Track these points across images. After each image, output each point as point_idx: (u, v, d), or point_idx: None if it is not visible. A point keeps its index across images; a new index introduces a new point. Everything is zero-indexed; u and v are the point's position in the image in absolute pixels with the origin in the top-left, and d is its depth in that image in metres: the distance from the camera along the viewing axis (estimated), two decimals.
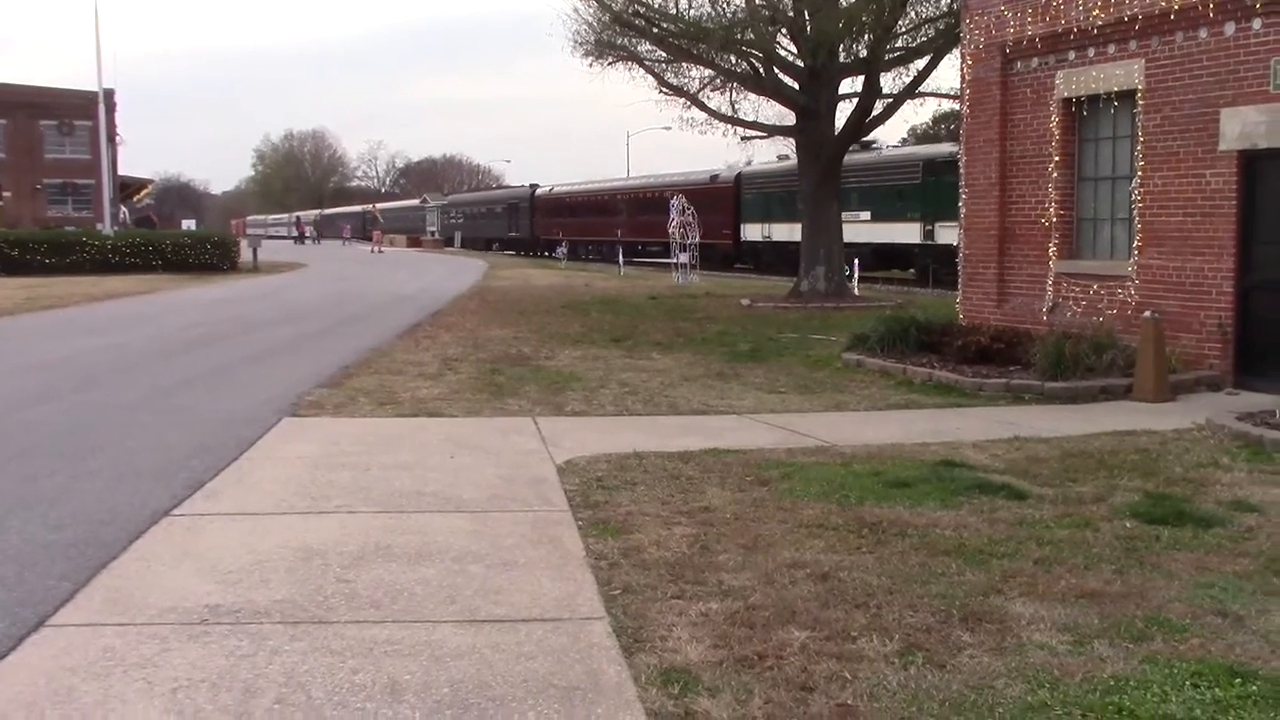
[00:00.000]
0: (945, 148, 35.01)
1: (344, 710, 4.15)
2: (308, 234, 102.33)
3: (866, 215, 37.93)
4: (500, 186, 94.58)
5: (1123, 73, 13.58)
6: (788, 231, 39.89)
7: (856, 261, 31.79)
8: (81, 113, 60.99)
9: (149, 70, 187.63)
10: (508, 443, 9.39)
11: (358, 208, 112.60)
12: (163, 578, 5.71)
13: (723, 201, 47.47)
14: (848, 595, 5.40)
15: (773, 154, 42.97)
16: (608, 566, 5.88)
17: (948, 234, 31.92)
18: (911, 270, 37.81)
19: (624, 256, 49.96)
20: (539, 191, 69.51)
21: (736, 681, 4.40)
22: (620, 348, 16.86)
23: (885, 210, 37.52)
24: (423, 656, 4.66)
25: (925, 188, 35.22)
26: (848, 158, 39.44)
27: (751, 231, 46.06)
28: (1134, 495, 7.45)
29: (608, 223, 58.01)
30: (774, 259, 43.00)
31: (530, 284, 35.52)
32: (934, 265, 34.14)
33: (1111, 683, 4.38)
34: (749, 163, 47.55)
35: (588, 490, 7.59)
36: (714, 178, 49.17)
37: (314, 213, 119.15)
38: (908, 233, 36.40)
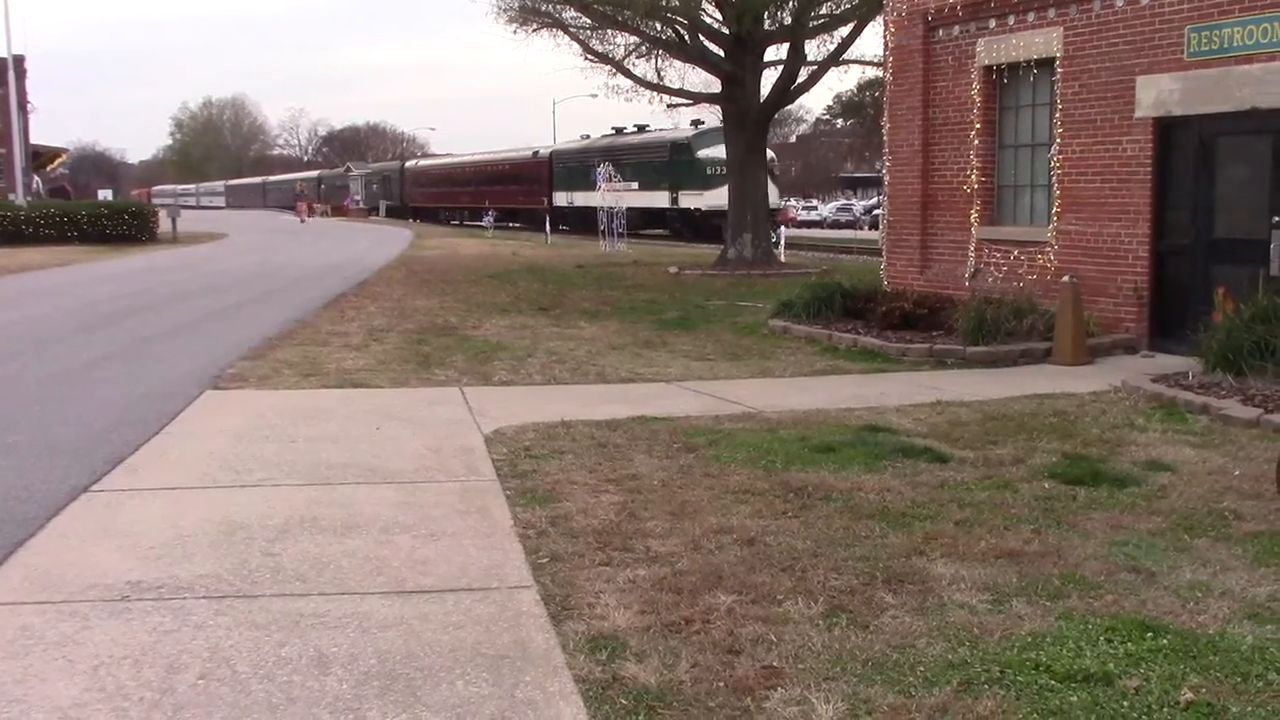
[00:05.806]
0: (684, 132, 44.93)
1: (270, 684, 4.12)
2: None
3: (635, 185, 45.93)
4: (394, 158, 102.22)
5: (1042, 41, 13.75)
6: (584, 198, 48.83)
7: (783, 229, 32.52)
8: None
9: (62, 36, 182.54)
10: (434, 413, 9.34)
11: (257, 179, 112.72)
12: (83, 554, 5.62)
13: (540, 173, 57.10)
14: (773, 559, 5.47)
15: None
16: (535, 535, 5.89)
17: (686, 200, 43.86)
18: (664, 230, 46.72)
19: (467, 220, 59.54)
20: (407, 165, 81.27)
21: (664, 646, 4.44)
22: (548, 316, 16.82)
23: (647, 181, 46.20)
24: (350, 628, 4.65)
25: (671, 164, 43.59)
26: (623, 139, 50.56)
27: (560, 198, 54.24)
28: (1052, 457, 7.61)
29: (460, 192, 67.41)
30: (576, 221, 50.77)
31: (457, 253, 35.24)
32: (679, 225, 43.05)
33: (1029, 639, 4.49)
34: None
35: (515, 459, 7.59)
36: (535, 154, 58.51)
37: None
38: (661, 199, 45.62)
